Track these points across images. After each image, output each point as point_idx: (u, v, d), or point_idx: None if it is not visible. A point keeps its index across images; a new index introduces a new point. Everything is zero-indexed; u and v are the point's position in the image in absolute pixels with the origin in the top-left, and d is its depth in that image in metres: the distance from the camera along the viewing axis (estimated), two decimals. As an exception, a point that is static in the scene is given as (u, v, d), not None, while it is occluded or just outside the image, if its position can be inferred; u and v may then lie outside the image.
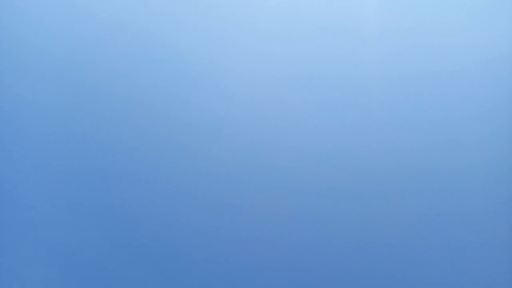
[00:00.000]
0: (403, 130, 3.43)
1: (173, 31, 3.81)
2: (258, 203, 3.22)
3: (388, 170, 3.07)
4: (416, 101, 3.52)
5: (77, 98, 3.31)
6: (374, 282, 2.58)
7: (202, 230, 3.14)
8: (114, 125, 3.35)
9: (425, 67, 3.60)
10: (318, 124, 3.49)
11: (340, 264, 2.98)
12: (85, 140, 3.18)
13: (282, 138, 3.44)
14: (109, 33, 3.52)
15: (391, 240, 2.99)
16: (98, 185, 3.13)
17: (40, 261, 2.74)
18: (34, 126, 3.14)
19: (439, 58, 3.49)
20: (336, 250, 3.07)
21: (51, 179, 3.01)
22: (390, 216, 3.08)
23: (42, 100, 3.17)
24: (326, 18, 3.87)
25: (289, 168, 3.34)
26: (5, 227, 2.67)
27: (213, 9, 3.71)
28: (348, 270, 2.92)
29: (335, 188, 3.22)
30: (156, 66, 3.59)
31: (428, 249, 2.65)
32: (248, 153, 3.43)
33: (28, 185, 2.94)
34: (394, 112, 3.50)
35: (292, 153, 3.38)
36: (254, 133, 3.45)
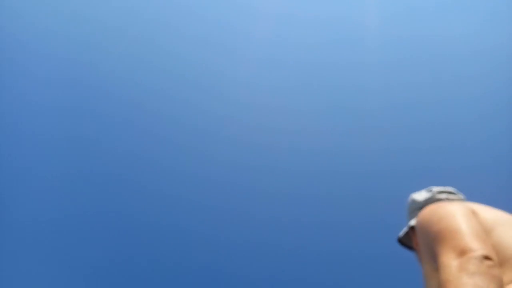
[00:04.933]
0: (403, 134, 3.43)
1: (174, 38, 3.80)
2: (258, 206, 3.21)
3: (389, 173, 3.06)
4: (416, 107, 3.54)
5: (78, 101, 3.30)
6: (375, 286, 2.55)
7: (203, 231, 3.13)
8: (115, 128, 3.34)
9: (425, 74, 3.62)
10: (318, 129, 3.47)
11: (342, 265, 2.96)
12: (86, 143, 3.17)
13: (283, 141, 3.43)
14: (111, 40, 3.55)
15: (392, 242, 2.98)
16: (98, 186, 3.13)
17: (41, 264, 2.73)
18: (35, 130, 3.13)
19: (439, 65, 3.52)
20: (338, 251, 3.05)
21: (52, 182, 3.00)
22: (391, 218, 3.06)
23: (43, 103, 3.17)
24: (327, 26, 3.86)
25: (289, 171, 3.33)
26: (5, 228, 2.66)
27: (216, 17, 3.71)
28: (350, 270, 2.90)
29: (335, 191, 3.21)
30: (157, 72, 3.59)
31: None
32: (248, 156, 3.40)
33: (29, 188, 2.93)
34: (395, 116, 3.50)
35: (293, 156, 3.36)
36: (255, 137, 3.44)
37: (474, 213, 0.64)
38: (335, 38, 3.54)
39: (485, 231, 0.60)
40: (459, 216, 0.61)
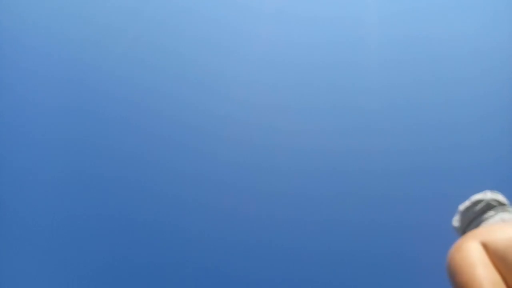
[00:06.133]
0: (403, 134, 3.43)
1: (175, 38, 3.83)
2: (258, 206, 3.21)
3: (389, 173, 3.07)
4: (416, 107, 3.54)
5: (78, 101, 3.32)
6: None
7: (203, 231, 3.14)
8: (115, 128, 3.34)
9: (425, 74, 3.64)
10: (318, 128, 3.49)
11: (342, 265, 2.96)
12: (86, 143, 3.17)
13: (283, 141, 3.44)
14: (112, 40, 3.56)
15: (392, 244, 2.97)
16: (98, 186, 3.13)
17: (41, 264, 2.73)
18: (35, 130, 3.13)
19: (439, 65, 3.53)
20: (338, 251, 3.06)
21: (52, 182, 2.99)
22: (392, 219, 3.07)
23: (43, 103, 3.17)
24: (327, 26, 3.90)
25: (289, 171, 3.35)
26: (5, 228, 2.67)
27: (217, 17, 3.75)
28: (350, 270, 2.89)
29: (336, 191, 3.22)
30: (158, 72, 3.61)
31: (428, 253, 2.63)
32: (248, 156, 3.41)
33: (29, 188, 2.93)
34: (395, 116, 3.51)
35: (293, 156, 3.37)
36: (255, 136, 3.45)
37: (485, 246, 0.69)
38: (335, 38, 3.54)
39: (500, 264, 0.66)
40: (475, 268, 0.67)
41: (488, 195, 0.93)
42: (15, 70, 3.04)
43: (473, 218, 0.90)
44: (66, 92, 3.17)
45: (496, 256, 0.66)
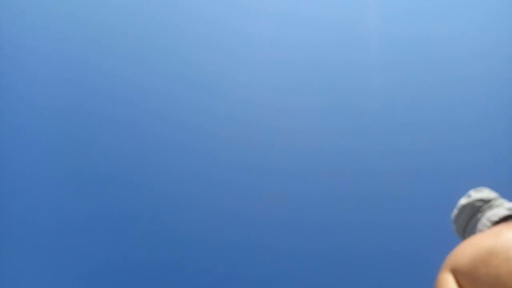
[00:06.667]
0: (403, 134, 3.44)
1: (174, 38, 3.84)
2: (258, 206, 3.21)
3: (389, 173, 3.07)
4: (416, 107, 3.54)
5: (78, 101, 3.32)
6: None
7: (203, 231, 3.13)
8: (115, 128, 3.34)
9: (425, 74, 3.64)
10: (318, 129, 3.48)
11: (342, 265, 2.96)
12: (86, 143, 3.18)
13: (283, 141, 3.44)
14: (112, 40, 3.56)
15: (392, 244, 2.98)
16: (98, 187, 3.13)
17: (41, 264, 2.74)
18: (35, 130, 3.13)
19: (439, 65, 3.53)
20: (338, 251, 3.06)
21: (52, 182, 2.99)
22: (392, 219, 3.07)
23: (43, 103, 3.17)
24: (327, 26, 3.91)
25: (289, 171, 3.35)
26: (5, 228, 2.67)
27: (217, 17, 3.74)
28: (350, 270, 2.90)
29: (336, 191, 3.22)
30: (158, 72, 3.61)
31: (427, 253, 2.64)
32: (248, 156, 3.41)
33: (29, 188, 2.93)
34: (395, 116, 3.52)
35: (293, 156, 3.37)
36: (255, 137, 3.45)
37: (454, 273, 0.71)
38: (335, 38, 3.54)
39: (470, 285, 0.67)
40: None
41: (472, 196, 0.91)
42: (15, 70, 3.04)
43: (465, 226, 0.89)
44: (66, 92, 3.17)
45: (464, 279, 0.68)
